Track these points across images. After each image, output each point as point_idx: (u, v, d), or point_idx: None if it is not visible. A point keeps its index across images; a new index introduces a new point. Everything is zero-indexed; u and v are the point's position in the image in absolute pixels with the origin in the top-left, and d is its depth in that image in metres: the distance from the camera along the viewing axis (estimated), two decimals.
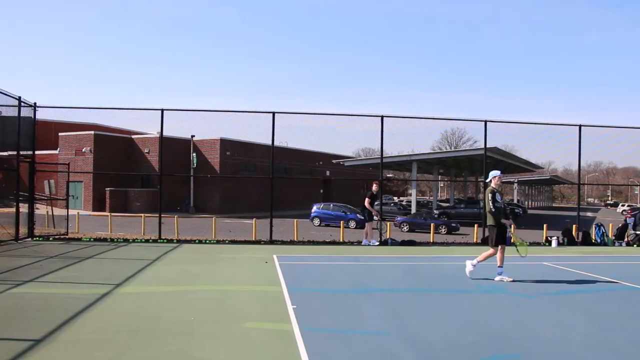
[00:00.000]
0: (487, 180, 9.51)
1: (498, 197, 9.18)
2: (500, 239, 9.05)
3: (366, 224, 15.62)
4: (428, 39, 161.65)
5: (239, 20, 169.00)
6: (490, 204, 9.05)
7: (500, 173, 9.56)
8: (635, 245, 16.93)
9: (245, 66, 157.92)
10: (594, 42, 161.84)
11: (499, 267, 9.13)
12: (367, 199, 15.38)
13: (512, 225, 9.13)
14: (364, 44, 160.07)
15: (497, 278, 9.09)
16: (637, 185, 52.80)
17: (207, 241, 14.81)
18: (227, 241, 14.94)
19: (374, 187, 15.58)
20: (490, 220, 9.14)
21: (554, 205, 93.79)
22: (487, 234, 10.52)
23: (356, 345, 5.24)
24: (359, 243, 15.17)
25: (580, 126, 16.78)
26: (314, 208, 29.95)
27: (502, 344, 5.43)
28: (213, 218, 16.20)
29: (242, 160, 39.29)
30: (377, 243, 15.15)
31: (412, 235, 18.57)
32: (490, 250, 9.15)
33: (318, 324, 5.95)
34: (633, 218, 18.16)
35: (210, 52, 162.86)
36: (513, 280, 8.95)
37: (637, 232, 17.35)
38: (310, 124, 16.48)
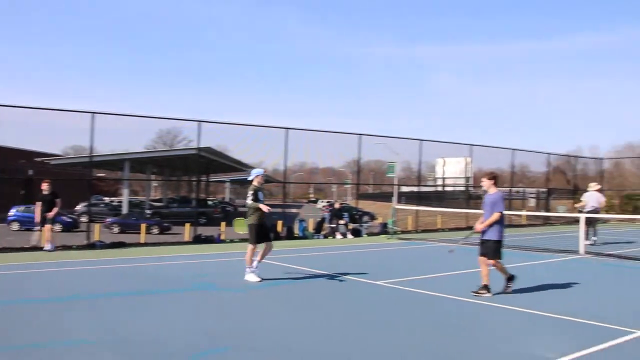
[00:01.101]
0: (250, 179, 9.65)
1: (260, 195, 9.38)
2: (260, 237, 9.30)
3: (42, 228, 13.94)
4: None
5: None
6: (250, 200, 9.27)
7: (263, 172, 9.79)
8: (330, 237, 19.15)
9: None
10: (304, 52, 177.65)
11: (257, 261, 9.43)
12: (38, 203, 13.97)
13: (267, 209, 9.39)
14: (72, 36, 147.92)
15: (249, 277, 9.32)
16: (334, 183, 60.00)
17: None
18: None
19: (43, 187, 14.21)
20: (249, 219, 9.34)
21: None
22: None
23: (57, 358, 4.93)
24: (59, 248, 13.90)
25: (286, 129, 18.43)
26: (13, 211, 26.84)
27: (214, 339, 5.67)
28: None
29: None
30: (49, 248, 13.64)
31: (123, 237, 17.87)
32: (250, 247, 9.28)
33: (11, 341, 5.39)
34: (329, 213, 20.60)
35: None
36: (261, 280, 9.22)
37: (332, 226, 19.72)
38: (9, 117, 14.46)
